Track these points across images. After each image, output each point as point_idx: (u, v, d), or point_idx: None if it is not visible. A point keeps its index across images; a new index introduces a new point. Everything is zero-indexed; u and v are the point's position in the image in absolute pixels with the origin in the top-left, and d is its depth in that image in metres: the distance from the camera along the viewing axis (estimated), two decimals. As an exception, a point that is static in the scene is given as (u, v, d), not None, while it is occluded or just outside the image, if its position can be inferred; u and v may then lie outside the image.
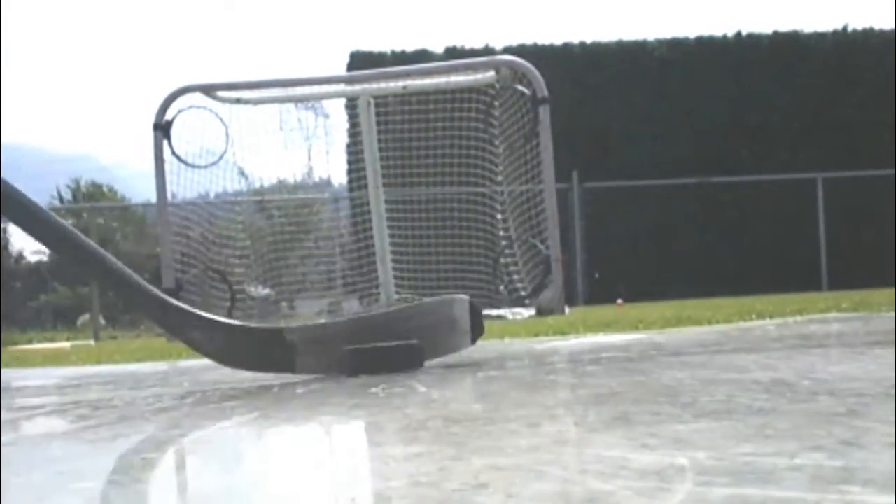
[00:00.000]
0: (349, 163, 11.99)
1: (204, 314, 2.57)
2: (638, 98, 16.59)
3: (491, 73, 9.13)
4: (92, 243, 2.53)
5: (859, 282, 11.50)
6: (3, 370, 4.06)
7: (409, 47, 16.98)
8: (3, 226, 26.45)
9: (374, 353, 2.48)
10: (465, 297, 2.77)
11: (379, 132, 9.41)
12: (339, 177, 13.83)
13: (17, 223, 2.36)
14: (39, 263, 30.90)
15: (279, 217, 12.12)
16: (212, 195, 10.72)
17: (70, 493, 1.09)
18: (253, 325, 2.76)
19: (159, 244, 9.22)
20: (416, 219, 9.89)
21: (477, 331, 2.74)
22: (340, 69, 16.33)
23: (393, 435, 1.43)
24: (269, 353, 2.50)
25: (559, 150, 8.57)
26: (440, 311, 2.75)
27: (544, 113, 8.38)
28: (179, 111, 8.89)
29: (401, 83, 9.26)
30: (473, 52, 15.86)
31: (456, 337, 2.72)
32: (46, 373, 3.93)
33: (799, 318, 4.34)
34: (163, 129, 8.76)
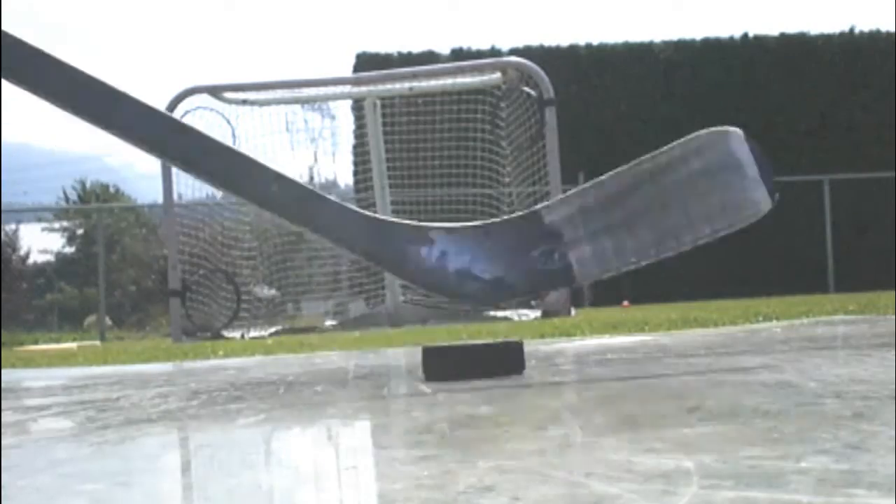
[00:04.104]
0: (355, 164, 11.98)
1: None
2: (644, 99, 16.58)
3: (497, 75, 9.13)
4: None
5: (866, 284, 11.48)
6: (10, 371, 4.07)
7: (416, 48, 16.98)
8: (7, 227, 26.51)
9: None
10: (737, 131, 2.05)
11: (385, 133, 9.42)
12: (346, 178, 13.83)
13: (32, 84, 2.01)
14: (46, 264, 30.95)
15: (285, 218, 12.11)
16: (218, 196, 10.74)
17: (76, 494, 1.09)
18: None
19: (165, 245, 9.24)
20: (422, 220, 9.88)
21: (770, 182, 2.01)
22: (346, 70, 16.35)
23: (398, 438, 1.43)
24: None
25: (565, 151, 8.57)
26: (715, 147, 2.05)
27: (550, 114, 8.38)
28: (186, 112, 8.91)
29: (407, 84, 9.26)
30: (480, 54, 15.86)
31: (747, 188, 2.01)
32: (52, 373, 3.94)
33: (805, 320, 4.33)
34: (169, 130, 8.78)
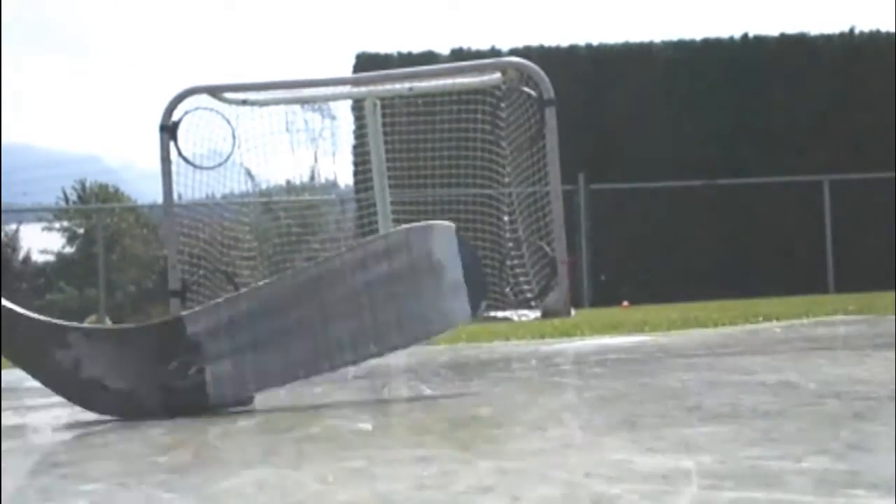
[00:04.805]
0: (355, 164, 11.94)
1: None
2: (644, 100, 16.57)
3: (497, 75, 9.10)
4: None
5: (866, 284, 11.47)
6: (10, 371, 4.07)
7: (416, 49, 16.98)
8: (7, 227, 26.52)
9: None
10: (449, 225, 1.86)
11: (385, 134, 9.41)
12: (346, 178, 13.81)
13: None
14: (46, 264, 30.97)
15: (285, 219, 12.12)
16: (218, 196, 10.73)
17: (76, 494, 1.09)
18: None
19: (165, 246, 9.24)
20: (422, 220, 9.88)
21: (477, 287, 1.70)
22: (346, 71, 16.34)
23: (398, 438, 1.43)
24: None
25: (565, 151, 8.53)
26: (415, 247, 1.79)
27: (550, 115, 8.35)
28: (186, 112, 8.88)
29: (407, 85, 9.23)
30: (480, 54, 15.85)
31: (445, 298, 1.73)
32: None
33: (805, 320, 4.33)
34: (169, 130, 8.75)
